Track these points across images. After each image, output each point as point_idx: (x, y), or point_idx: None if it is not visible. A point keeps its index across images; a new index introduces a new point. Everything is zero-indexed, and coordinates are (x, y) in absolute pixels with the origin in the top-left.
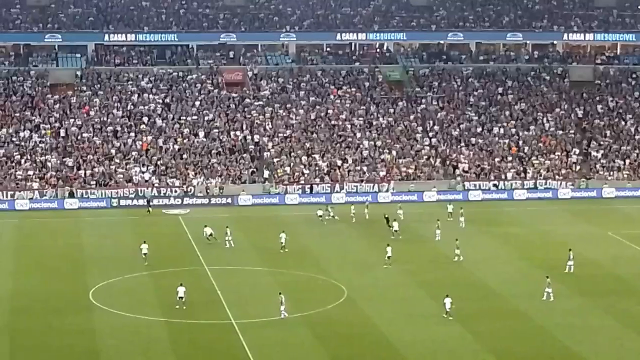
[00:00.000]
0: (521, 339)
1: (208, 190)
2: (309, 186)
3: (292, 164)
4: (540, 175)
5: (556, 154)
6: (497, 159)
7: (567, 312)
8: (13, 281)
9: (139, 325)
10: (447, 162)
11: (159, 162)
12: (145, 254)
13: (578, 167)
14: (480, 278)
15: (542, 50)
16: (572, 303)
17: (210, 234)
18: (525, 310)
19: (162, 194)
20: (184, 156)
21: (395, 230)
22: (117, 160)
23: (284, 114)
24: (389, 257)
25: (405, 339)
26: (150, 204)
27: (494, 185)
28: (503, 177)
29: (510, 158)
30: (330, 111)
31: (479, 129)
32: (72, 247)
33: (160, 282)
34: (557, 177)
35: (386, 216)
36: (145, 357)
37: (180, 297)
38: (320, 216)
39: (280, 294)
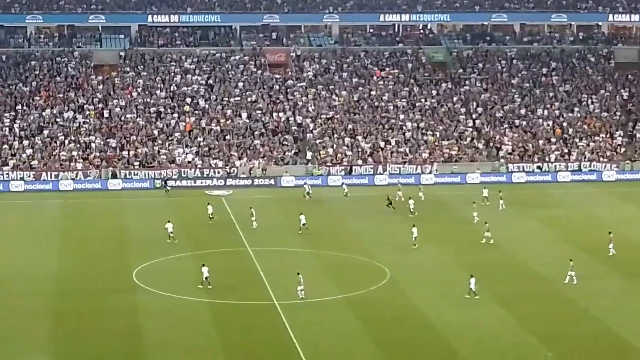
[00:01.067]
0: (564, 321)
1: (251, 172)
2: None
3: (335, 145)
4: (585, 158)
5: (601, 136)
6: (541, 141)
7: (611, 295)
8: (58, 262)
9: (182, 306)
10: (491, 144)
11: (202, 144)
12: (171, 232)
13: (623, 150)
14: (523, 261)
15: (587, 31)
16: (615, 286)
17: (212, 214)
18: (568, 293)
19: (205, 175)
20: (227, 137)
21: (412, 209)
22: (161, 142)
23: (327, 95)
24: (415, 238)
25: (447, 322)
26: (167, 184)
27: (538, 167)
28: (547, 159)
29: (554, 140)
30: (373, 93)
31: (523, 111)
32: (115, 228)
33: (203, 263)
34: (601, 159)
35: (389, 198)
36: (188, 338)
37: (206, 278)
38: (309, 192)
39: (298, 274)
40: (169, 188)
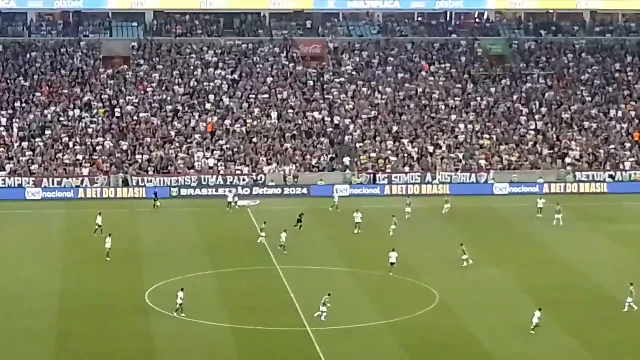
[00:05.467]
0: None
1: (287, 179)
2: (395, 175)
3: (377, 149)
4: None
5: None
6: (613, 146)
7: None
8: (61, 279)
9: (201, 331)
10: (556, 150)
11: (225, 147)
12: (109, 248)
13: None
14: (594, 282)
15: None
16: None
17: (99, 226)
18: None
19: (228, 183)
20: (254, 140)
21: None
22: (178, 144)
23: (369, 92)
24: (392, 264)
25: (507, 352)
26: (157, 197)
27: (610, 176)
28: (621, 167)
29: (629, 145)
30: (421, 90)
31: (594, 112)
32: (126, 241)
33: (226, 282)
34: None
35: (300, 216)
36: None
37: (179, 304)
38: (230, 202)
39: (329, 295)
40: (158, 204)
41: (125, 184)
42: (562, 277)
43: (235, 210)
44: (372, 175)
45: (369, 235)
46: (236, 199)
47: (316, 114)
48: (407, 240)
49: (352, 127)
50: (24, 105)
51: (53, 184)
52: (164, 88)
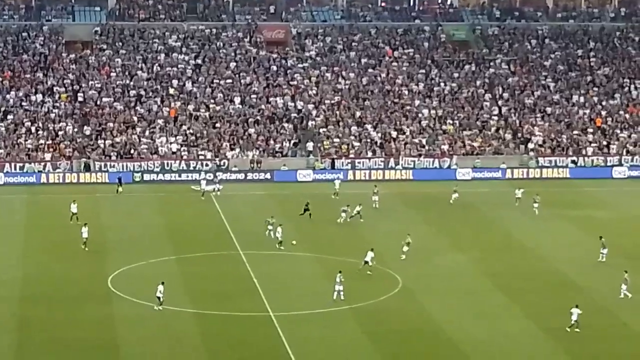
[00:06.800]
0: (603, 338)
1: (252, 165)
2: (359, 161)
3: (340, 135)
4: (626, 151)
5: None
6: (576, 132)
7: None
8: (23, 266)
9: (164, 317)
10: (519, 135)
11: (188, 132)
12: (86, 238)
13: None
14: (557, 269)
15: (630, 7)
16: None
17: (74, 214)
18: (608, 306)
19: (191, 168)
20: (217, 125)
21: (351, 216)
22: (141, 129)
23: (332, 77)
24: (365, 262)
25: (469, 337)
26: (121, 182)
27: (573, 161)
28: (583, 152)
29: (591, 130)
30: (384, 75)
31: (556, 97)
32: (89, 226)
33: (189, 268)
34: None
35: (307, 204)
36: (171, 352)
37: (157, 297)
38: (205, 190)
39: (340, 272)
40: (120, 190)
41: (87, 168)
42: (524, 262)
43: (216, 197)
44: (331, 161)
45: (332, 222)
46: (218, 185)
47: (279, 99)
48: (371, 226)
49: (315, 112)
50: None
51: (15, 168)
52: (126, 73)
